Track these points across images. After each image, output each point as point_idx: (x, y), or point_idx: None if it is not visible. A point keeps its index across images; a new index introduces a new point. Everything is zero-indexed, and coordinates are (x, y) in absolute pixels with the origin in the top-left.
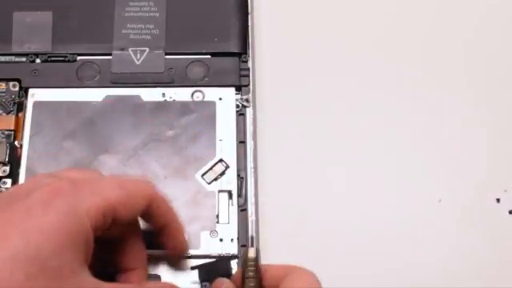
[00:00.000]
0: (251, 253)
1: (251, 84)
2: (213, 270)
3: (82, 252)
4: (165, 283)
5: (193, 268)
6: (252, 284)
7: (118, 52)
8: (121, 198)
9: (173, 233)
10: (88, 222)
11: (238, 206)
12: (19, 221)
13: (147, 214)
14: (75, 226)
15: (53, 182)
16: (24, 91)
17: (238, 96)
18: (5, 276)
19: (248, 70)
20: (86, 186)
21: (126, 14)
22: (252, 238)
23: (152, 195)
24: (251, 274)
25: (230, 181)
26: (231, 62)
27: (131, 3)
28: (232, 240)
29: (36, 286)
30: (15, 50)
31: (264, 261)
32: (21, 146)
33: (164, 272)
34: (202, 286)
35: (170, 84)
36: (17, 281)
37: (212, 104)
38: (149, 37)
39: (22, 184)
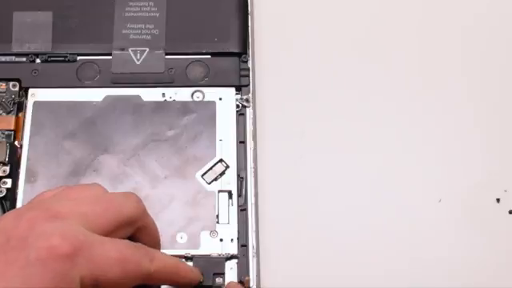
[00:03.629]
0: None
1: (251, 84)
2: (207, 264)
3: None
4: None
5: (187, 259)
6: None
7: (118, 52)
8: (116, 277)
9: (184, 282)
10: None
11: (238, 206)
12: (14, 276)
13: (147, 282)
14: None
15: (52, 235)
16: (24, 91)
17: (238, 96)
18: None
19: (248, 70)
20: (86, 250)
21: (126, 14)
22: None
23: (151, 271)
24: None
25: (229, 181)
26: (231, 61)
27: (131, 3)
28: (232, 240)
29: None
30: (15, 49)
31: (264, 261)
32: (21, 145)
33: None
34: None
35: (170, 84)
36: None
37: (212, 104)
38: (149, 37)
39: (18, 219)
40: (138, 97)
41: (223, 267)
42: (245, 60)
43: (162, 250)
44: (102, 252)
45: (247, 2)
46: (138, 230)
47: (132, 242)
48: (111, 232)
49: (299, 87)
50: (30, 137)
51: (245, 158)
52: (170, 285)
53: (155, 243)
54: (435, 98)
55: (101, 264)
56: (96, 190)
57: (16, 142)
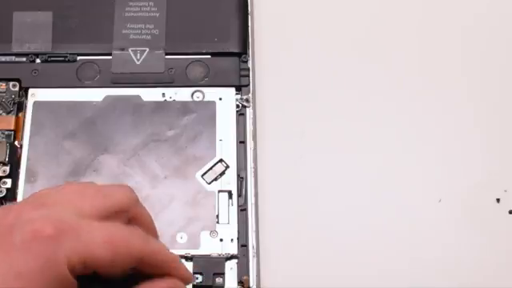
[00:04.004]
0: None
1: (251, 84)
2: (207, 264)
3: None
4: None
5: (187, 258)
6: None
7: (118, 52)
8: (106, 258)
9: (175, 274)
10: (67, 270)
11: (238, 206)
12: (0, 261)
13: (140, 266)
14: (54, 273)
15: (36, 220)
16: (24, 91)
17: (238, 96)
18: None
19: (248, 70)
20: (72, 232)
21: (126, 14)
22: None
23: (144, 253)
24: None
25: (229, 181)
26: (231, 61)
27: (131, 3)
28: (232, 240)
29: None
30: (15, 49)
31: (264, 261)
32: (21, 145)
33: None
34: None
35: (170, 84)
36: None
37: (212, 104)
38: (149, 37)
39: (9, 210)
40: (138, 97)
41: (223, 267)
42: (245, 60)
43: None
44: (88, 234)
45: (247, 2)
46: (129, 220)
47: (125, 225)
48: (100, 220)
49: (299, 87)
50: (30, 137)
51: (245, 158)
52: (161, 274)
53: (150, 234)
54: (435, 98)
55: (88, 245)
56: (89, 184)
57: (16, 142)
